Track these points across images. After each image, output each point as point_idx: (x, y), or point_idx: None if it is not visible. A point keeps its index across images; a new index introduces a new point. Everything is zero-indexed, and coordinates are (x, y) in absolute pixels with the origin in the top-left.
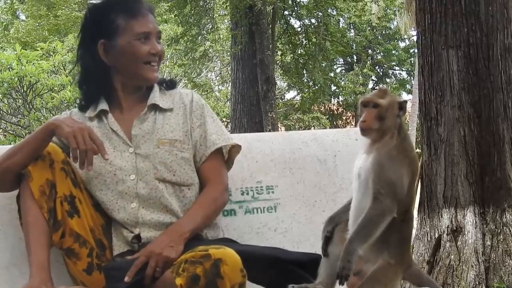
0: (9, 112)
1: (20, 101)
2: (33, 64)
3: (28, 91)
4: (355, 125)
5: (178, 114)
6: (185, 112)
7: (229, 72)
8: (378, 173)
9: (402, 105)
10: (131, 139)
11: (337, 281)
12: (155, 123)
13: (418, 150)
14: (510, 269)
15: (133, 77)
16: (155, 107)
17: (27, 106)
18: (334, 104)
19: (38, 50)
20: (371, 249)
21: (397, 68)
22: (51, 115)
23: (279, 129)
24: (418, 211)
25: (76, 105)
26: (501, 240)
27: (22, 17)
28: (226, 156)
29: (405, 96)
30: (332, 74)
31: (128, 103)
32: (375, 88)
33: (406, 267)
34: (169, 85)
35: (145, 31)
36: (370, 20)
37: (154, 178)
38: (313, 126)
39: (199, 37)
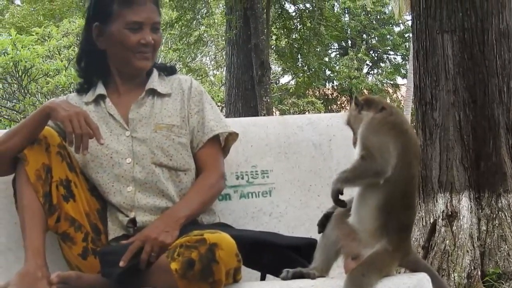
0: (4, 97)
1: (15, 86)
2: (28, 49)
3: (23, 76)
4: None
5: (176, 99)
6: (183, 98)
7: (224, 56)
8: (363, 142)
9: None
10: (128, 123)
11: (332, 266)
12: (152, 107)
13: None
14: (505, 254)
15: (123, 64)
16: (153, 92)
17: (22, 91)
18: (328, 89)
19: (33, 35)
20: (370, 234)
21: (391, 52)
22: (46, 99)
23: (274, 113)
24: None
25: (72, 90)
26: (497, 225)
27: (17, 1)
28: (222, 144)
29: (400, 80)
30: (326, 59)
31: (126, 87)
32: (370, 72)
33: (404, 255)
34: (169, 70)
35: (137, 21)
36: (365, 5)
37: (150, 162)
38: (308, 110)
39: (194, 22)
